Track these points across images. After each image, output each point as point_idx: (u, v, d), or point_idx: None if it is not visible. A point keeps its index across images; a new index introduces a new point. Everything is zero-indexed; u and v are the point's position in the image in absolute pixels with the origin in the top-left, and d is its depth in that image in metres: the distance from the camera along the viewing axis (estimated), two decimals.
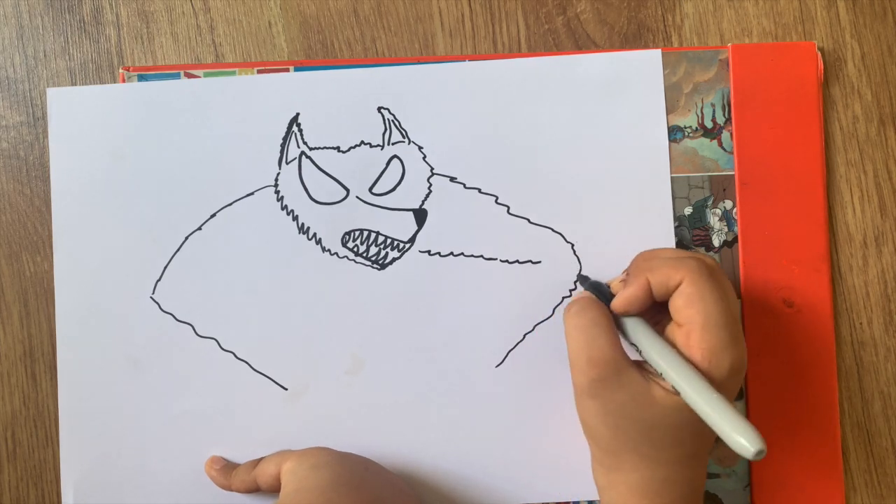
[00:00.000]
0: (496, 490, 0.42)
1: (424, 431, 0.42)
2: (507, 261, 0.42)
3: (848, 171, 0.43)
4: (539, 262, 0.42)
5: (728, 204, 0.42)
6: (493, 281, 0.42)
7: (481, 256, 0.42)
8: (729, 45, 0.43)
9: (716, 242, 0.43)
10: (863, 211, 0.43)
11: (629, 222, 0.42)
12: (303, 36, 0.44)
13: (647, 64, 0.43)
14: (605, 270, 0.41)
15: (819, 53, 0.43)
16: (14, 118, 0.44)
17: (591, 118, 0.43)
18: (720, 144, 0.43)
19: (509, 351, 0.42)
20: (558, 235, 0.42)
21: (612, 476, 0.36)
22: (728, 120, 0.43)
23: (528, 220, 0.43)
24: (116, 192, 0.43)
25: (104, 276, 0.42)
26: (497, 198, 0.43)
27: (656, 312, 0.37)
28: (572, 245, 0.42)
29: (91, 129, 0.43)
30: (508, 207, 0.43)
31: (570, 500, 0.42)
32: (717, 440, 0.33)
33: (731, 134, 0.43)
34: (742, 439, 0.31)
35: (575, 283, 0.42)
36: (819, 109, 0.43)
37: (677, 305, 0.35)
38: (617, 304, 0.36)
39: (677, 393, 0.33)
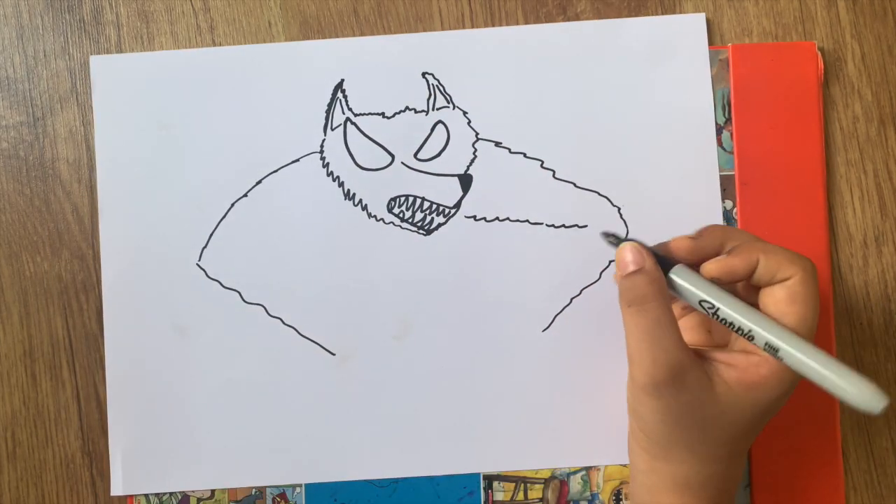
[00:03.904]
0: (543, 454, 0.42)
1: (472, 395, 0.42)
2: (553, 225, 0.42)
3: (848, 171, 0.43)
4: (585, 226, 0.42)
5: (728, 204, 0.42)
6: (539, 245, 0.42)
7: (527, 221, 0.42)
8: (729, 45, 0.43)
9: None
10: (863, 211, 0.43)
11: (676, 185, 0.42)
12: (303, 36, 0.44)
13: (690, 28, 0.43)
14: (652, 233, 0.39)
15: (819, 53, 0.43)
16: (14, 118, 0.44)
17: (636, 81, 0.43)
18: (720, 144, 0.43)
19: (556, 315, 0.42)
20: (604, 199, 0.42)
21: (655, 464, 0.35)
22: (728, 120, 0.43)
23: (574, 185, 0.42)
24: (161, 159, 0.43)
25: (150, 244, 0.42)
26: (542, 162, 0.43)
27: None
28: (619, 208, 0.42)
29: (135, 97, 0.43)
30: (554, 172, 0.43)
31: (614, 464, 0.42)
32: None
33: (732, 134, 0.43)
34: (867, 391, 0.29)
35: (611, 238, 0.36)
36: (819, 109, 0.43)
37: (777, 298, 0.33)
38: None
39: (776, 353, 0.32)
